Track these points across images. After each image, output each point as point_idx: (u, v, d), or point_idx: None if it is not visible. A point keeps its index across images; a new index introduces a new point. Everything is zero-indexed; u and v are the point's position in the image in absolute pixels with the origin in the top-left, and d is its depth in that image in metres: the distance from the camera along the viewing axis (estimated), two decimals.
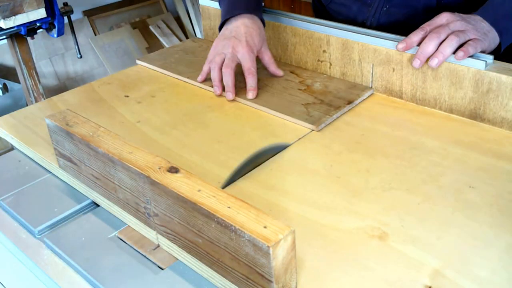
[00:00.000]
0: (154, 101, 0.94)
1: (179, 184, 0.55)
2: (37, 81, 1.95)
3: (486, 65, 0.77)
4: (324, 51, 0.98)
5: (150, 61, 1.10)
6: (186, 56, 1.12)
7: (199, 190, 0.54)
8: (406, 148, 0.76)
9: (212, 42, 0.99)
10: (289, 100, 0.90)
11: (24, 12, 1.67)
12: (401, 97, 0.90)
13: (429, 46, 0.80)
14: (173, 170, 0.57)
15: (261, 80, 0.97)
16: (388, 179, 0.69)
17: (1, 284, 0.78)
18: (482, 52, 0.80)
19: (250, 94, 0.91)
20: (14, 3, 1.65)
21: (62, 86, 2.65)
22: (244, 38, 0.93)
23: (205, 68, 0.98)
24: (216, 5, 1.14)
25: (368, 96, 0.92)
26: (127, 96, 0.97)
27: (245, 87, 0.93)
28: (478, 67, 0.77)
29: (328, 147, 0.77)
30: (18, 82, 2.11)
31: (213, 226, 0.51)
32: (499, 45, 0.83)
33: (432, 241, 0.59)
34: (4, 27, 1.69)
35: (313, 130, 0.82)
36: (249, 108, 0.90)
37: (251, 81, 0.92)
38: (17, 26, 1.71)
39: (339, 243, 0.59)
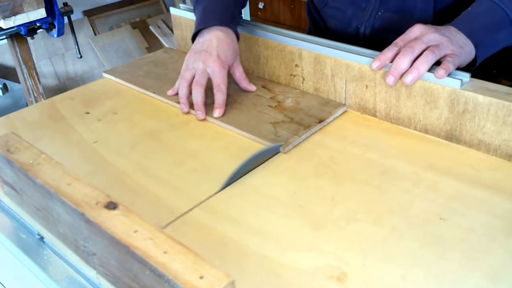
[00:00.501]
0: (115, 119, 0.89)
1: (115, 223, 0.50)
2: (37, 81, 1.96)
3: (462, 83, 0.73)
4: (296, 65, 0.93)
5: (116, 74, 1.05)
6: (156, 68, 1.07)
7: (135, 231, 0.49)
8: (376, 173, 0.71)
9: (185, 53, 0.94)
10: (257, 118, 0.86)
11: (24, 12, 1.68)
12: (375, 115, 0.85)
13: (403, 62, 0.75)
14: (111, 206, 0.53)
15: (231, 96, 0.93)
16: (354, 209, 0.64)
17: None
18: (457, 67, 0.76)
19: (217, 112, 0.87)
20: (14, 3, 1.65)
21: (62, 86, 2.65)
22: (215, 52, 0.88)
23: (177, 84, 0.93)
24: (188, 15, 1.09)
25: (341, 114, 0.87)
26: (88, 113, 0.92)
27: (214, 103, 0.88)
28: (453, 86, 0.73)
29: (294, 171, 0.73)
30: (18, 82, 2.10)
31: (147, 273, 0.46)
32: (475, 59, 0.79)
33: (395, 282, 0.54)
34: (4, 27, 1.68)
35: (279, 152, 0.78)
36: (215, 126, 0.86)
37: (219, 98, 0.87)
38: (17, 26, 1.71)
39: (294, 287, 0.54)
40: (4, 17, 1.66)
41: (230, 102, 0.91)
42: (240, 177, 0.71)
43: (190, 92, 0.89)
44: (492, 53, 0.81)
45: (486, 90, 0.71)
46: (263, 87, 0.97)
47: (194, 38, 0.93)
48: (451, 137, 0.76)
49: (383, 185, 0.68)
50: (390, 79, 0.77)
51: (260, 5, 3.08)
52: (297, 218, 0.63)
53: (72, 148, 0.81)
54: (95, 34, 2.84)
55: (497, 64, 0.85)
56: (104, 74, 1.06)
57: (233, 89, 0.95)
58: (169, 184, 0.71)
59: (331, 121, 0.85)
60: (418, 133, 0.80)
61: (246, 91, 0.95)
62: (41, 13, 1.73)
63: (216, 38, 0.89)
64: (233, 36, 0.92)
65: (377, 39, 0.99)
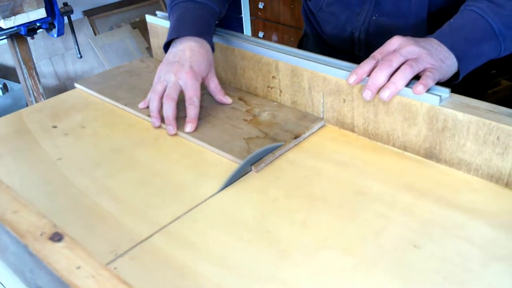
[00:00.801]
0: (82, 133, 0.86)
1: (58, 257, 0.46)
2: (37, 81, 1.97)
3: (441, 100, 0.69)
4: (273, 77, 0.90)
5: (88, 85, 1.01)
6: (130, 79, 1.03)
7: (78, 267, 0.45)
8: (350, 194, 0.67)
9: (161, 62, 0.91)
10: (230, 133, 0.82)
11: (24, 12, 1.69)
12: (353, 131, 0.81)
13: (380, 76, 0.72)
14: (56, 237, 0.49)
15: (205, 109, 0.89)
16: (324, 235, 0.61)
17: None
18: (438, 81, 0.72)
19: (188, 127, 0.83)
20: (14, 3, 1.65)
21: (62, 86, 2.66)
22: (188, 63, 0.85)
23: (148, 96, 0.90)
24: (164, 23, 1.05)
25: (319, 128, 0.83)
26: (55, 127, 0.88)
27: (186, 117, 0.84)
28: (432, 102, 0.69)
29: (265, 192, 0.69)
30: (18, 82, 2.11)
31: None
32: (457, 72, 0.75)
33: None
34: (4, 27, 1.69)
35: (251, 170, 0.74)
36: (186, 142, 0.82)
37: (191, 112, 0.84)
38: (17, 26, 1.72)
39: None
40: (4, 17, 1.66)
41: (203, 116, 0.87)
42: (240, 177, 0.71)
43: (162, 105, 0.85)
44: (476, 66, 0.78)
45: (466, 107, 0.68)
46: (240, 99, 0.93)
47: (166, 47, 0.90)
48: (430, 155, 0.73)
49: (357, 208, 0.65)
50: (367, 94, 0.73)
51: (260, 5, 3.06)
52: (264, 245, 0.60)
53: (34, 166, 0.77)
54: (95, 34, 2.83)
55: (497, 64, 0.81)
56: (76, 85, 1.03)
57: (208, 101, 0.92)
58: (131, 206, 0.67)
59: (308, 136, 0.81)
60: (397, 150, 0.76)
61: (221, 104, 0.91)
62: (41, 13, 1.74)
63: (189, 49, 0.86)
64: (208, 47, 0.88)
65: (372, 43, 0.96)
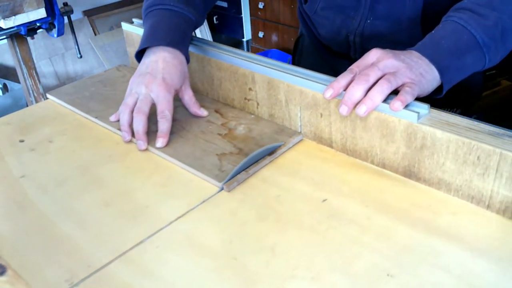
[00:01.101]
0: (49, 148, 0.82)
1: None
2: (37, 81, 1.98)
3: (419, 117, 0.66)
4: (250, 88, 0.86)
5: (60, 96, 0.98)
6: (104, 89, 1.00)
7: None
8: (324, 217, 0.64)
9: None
10: (203, 149, 0.79)
11: (24, 12, 1.69)
12: (331, 146, 0.78)
13: (357, 91, 0.69)
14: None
15: (179, 122, 0.86)
16: (293, 262, 0.57)
17: None
18: (418, 96, 0.69)
19: (159, 142, 0.80)
20: (14, 3, 1.66)
21: (61, 86, 2.63)
22: (160, 75, 0.81)
23: (120, 109, 0.86)
24: (140, 31, 1.02)
25: (297, 143, 0.80)
26: (22, 141, 0.84)
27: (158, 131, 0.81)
28: (410, 119, 0.66)
29: (234, 214, 0.66)
30: (18, 82, 2.12)
31: None
32: (441, 86, 0.72)
33: None
34: (4, 27, 1.69)
35: (222, 189, 0.71)
36: (157, 158, 0.79)
37: (162, 126, 0.81)
38: (17, 26, 1.72)
39: None
40: (4, 17, 1.66)
41: (176, 130, 0.84)
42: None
43: (133, 119, 0.82)
44: (460, 79, 0.75)
45: (445, 125, 0.65)
46: (216, 111, 0.90)
47: (138, 56, 0.86)
48: (409, 173, 0.69)
49: (330, 232, 0.61)
50: (344, 109, 0.70)
51: (260, 5, 3.05)
52: (229, 274, 0.56)
53: None
54: (95, 34, 2.82)
55: (497, 64, 0.78)
56: (49, 96, 0.99)
57: (183, 114, 0.88)
58: (92, 229, 0.64)
59: (285, 151, 0.78)
60: (376, 168, 0.73)
61: (196, 117, 0.88)
62: (41, 13, 1.74)
63: (162, 60, 0.82)
64: (182, 57, 0.85)
65: (367, 46, 0.95)
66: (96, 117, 0.89)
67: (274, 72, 0.81)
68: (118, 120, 0.85)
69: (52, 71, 2.70)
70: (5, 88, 2.31)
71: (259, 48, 3.19)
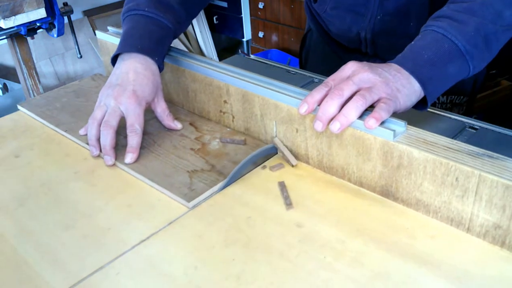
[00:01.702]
0: (15, 164, 0.79)
1: None
2: (37, 81, 1.98)
3: (395, 134, 0.63)
4: (225, 101, 0.83)
5: (31, 108, 0.94)
6: (76, 100, 0.96)
7: None
8: (295, 241, 0.61)
9: None
10: (174, 165, 0.75)
11: (24, 12, 1.70)
12: (307, 162, 0.75)
13: (331, 106, 0.65)
14: None
15: (150, 136, 0.82)
16: None
17: None
18: (395, 112, 0.66)
19: (128, 158, 0.76)
20: (14, 3, 1.66)
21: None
22: (131, 87, 0.78)
23: (88, 122, 0.83)
24: (115, 40, 0.99)
25: (271, 158, 0.77)
26: None
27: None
28: (386, 137, 0.63)
29: (201, 237, 0.62)
30: (18, 82, 2.13)
31: None
32: (425, 98, 0.69)
33: None
34: (4, 27, 1.69)
35: (190, 209, 0.67)
36: (125, 175, 0.75)
37: (132, 141, 0.77)
38: (17, 26, 1.72)
39: None
40: (4, 17, 1.65)
41: (147, 145, 0.80)
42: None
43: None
44: (443, 90, 0.72)
45: (422, 143, 0.62)
46: (191, 124, 0.87)
47: (113, 61, 0.83)
48: (387, 193, 0.66)
49: (301, 258, 0.58)
50: (318, 125, 0.67)
51: (260, 5, 3.03)
52: None
53: None
54: (95, 34, 2.80)
55: (497, 64, 0.76)
56: (19, 107, 0.96)
57: (156, 127, 0.85)
58: (50, 254, 0.60)
59: (258, 167, 0.75)
60: (353, 186, 0.70)
61: (170, 130, 0.85)
62: (41, 13, 1.74)
63: (133, 71, 0.79)
64: (154, 67, 0.81)
65: (378, 41, 0.99)
66: (65, 131, 0.85)
67: (248, 85, 0.78)
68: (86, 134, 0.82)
69: (52, 71, 2.69)
70: (5, 88, 2.31)
71: (259, 48, 3.17)
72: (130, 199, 0.70)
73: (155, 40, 0.83)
